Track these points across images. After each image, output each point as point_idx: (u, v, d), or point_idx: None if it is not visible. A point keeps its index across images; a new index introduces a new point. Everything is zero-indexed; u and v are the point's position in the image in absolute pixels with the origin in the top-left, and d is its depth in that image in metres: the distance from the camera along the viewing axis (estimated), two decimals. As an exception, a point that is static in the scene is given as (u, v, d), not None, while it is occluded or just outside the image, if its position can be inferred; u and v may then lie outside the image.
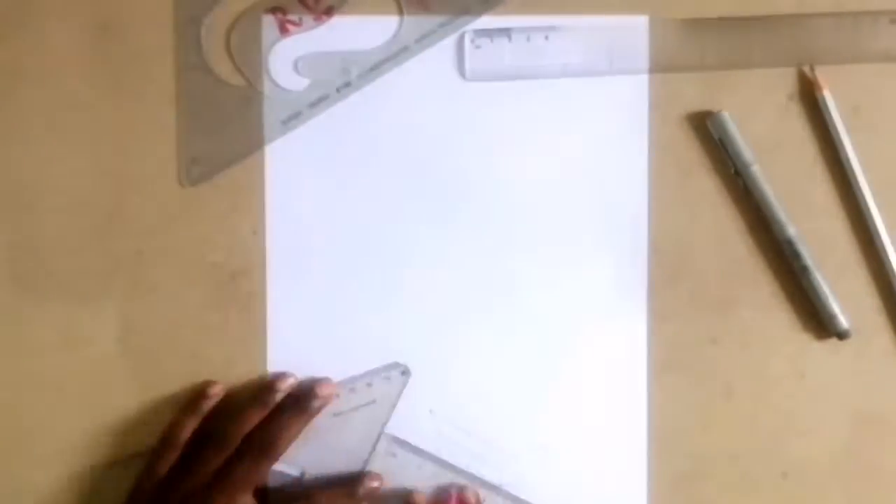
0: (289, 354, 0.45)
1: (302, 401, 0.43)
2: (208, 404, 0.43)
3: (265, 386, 0.43)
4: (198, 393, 0.44)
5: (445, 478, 0.45)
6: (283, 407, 0.43)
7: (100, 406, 0.45)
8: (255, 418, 0.43)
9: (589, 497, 0.45)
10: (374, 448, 0.44)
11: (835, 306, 0.44)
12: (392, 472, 0.44)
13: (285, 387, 0.43)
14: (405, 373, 0.45)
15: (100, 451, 0.45)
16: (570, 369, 0.45)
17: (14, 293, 0.44)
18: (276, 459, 0.42)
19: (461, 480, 0.45)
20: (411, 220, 0.45)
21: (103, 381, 0.45)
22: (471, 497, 0.44)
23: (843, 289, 0.45)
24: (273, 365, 0.45)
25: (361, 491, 0.43)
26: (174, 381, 0.45)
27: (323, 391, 0.43)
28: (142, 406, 0.45)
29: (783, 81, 0.45)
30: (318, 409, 0.43)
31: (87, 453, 0.45)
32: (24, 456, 0.45)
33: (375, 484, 0.43)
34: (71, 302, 0.44)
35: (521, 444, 0.45)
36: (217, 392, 0.43)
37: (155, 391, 0.45)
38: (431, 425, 0.45)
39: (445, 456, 0.45)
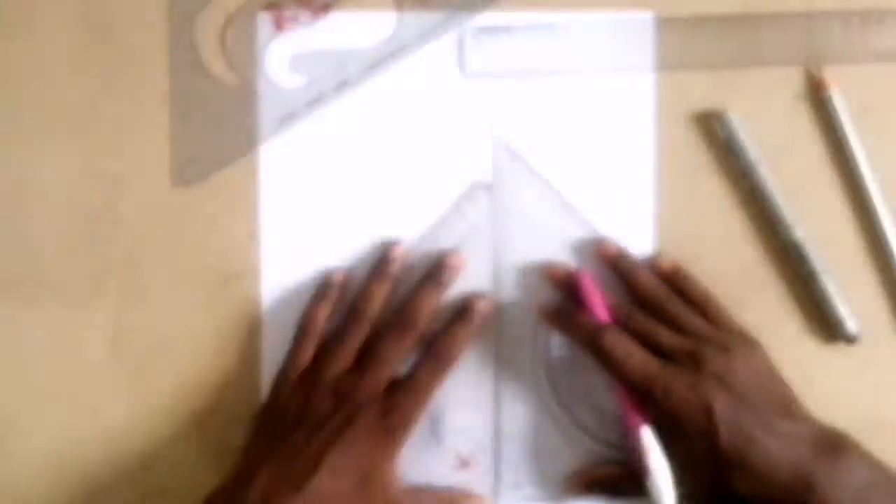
0: (283, 357, 0.44)
1: (436, 275, 0.43)
2: (335, 291, 0.44)
3: (381, 260, 0.44)
4: (323, 282, 0.44)
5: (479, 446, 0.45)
6: (421, 283, 0.44)
7: (92, 410, 0.44)
8: (381, 291, 0.43)
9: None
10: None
11: (842, 310, 0.44)
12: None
13: (398, 254, 0.44)
14: (488, 187, 0.45)
15: (92, 456, 0.44)
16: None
17: (4, 297, 0.44)
18: (418, 332, 0.43)
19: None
20: (410, 222, 0.45)
21: (95, 385, 0.44)
22: (609, 246, 0.44)
23: (851, 293, 0.44)
24: (268, 368, 0.44)
25: (476, 317, 0.43)
26: (167, 385, 0.44)
27: (453, 262, 0.44)
28: (134, 410, 0.44)
29: (791, 81, 0.45)
30: (451, 280, 0.44)
31: (79, 457, 0.44)
32: (15, 460, 0.44)
33: (483, 303, 0.44)
34: (62, 305, 0.44)
35: (521, 447, 0.45)
36: (340, 279, 0.44)
37: (147, 395, 0.44)
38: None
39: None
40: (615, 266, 0.44)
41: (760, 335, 0.44)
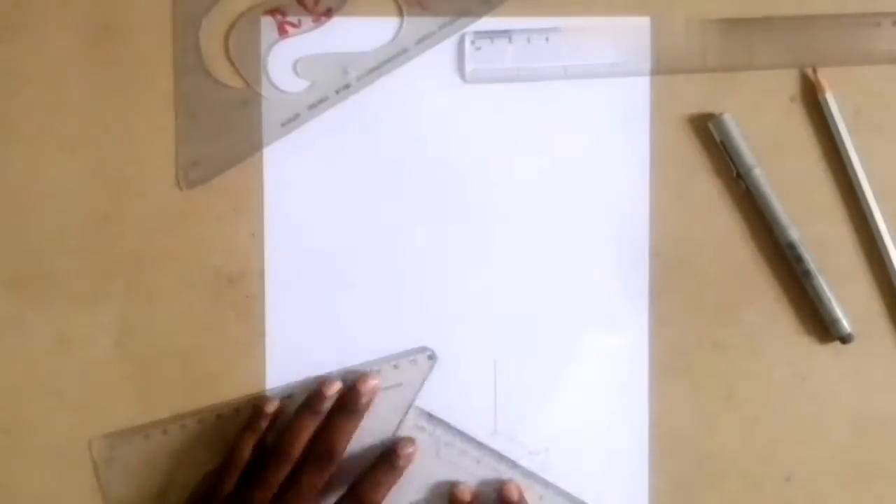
0: (288, 357, 0.45)
1: (350, 403, 0.43)
2: (265, 422, 0.44)
3: (314, 395, 0.43)
4: (254, 412, 0.44)
5: (472, 454, 0.45)
6: (335, 412, 0.43)
7: (98, 409, 0.45)
8: (310, 427, 0.43)
9: (592, 501, 0.45)
10: (399, 426, 0.45)
11: (837, 310, 0.44)
12: (420, 447, 0.44)
13: (333, 392, 0.43)
14: (431, 357, 0.45)
15: (98, 454, 0.45)
16: (571, 373, 0.45)
17: (12, 296, 0.44)
18: (335, 463, 0.43)
19: (487, 457, 0.45)
20: (410, 224, 0.45)
21: (101, 384, 0.45)
22: (513, 491, 0.44)
23: (846, 292, 0.44)
24: (272, 368, 0.45)
25: (401, 462, 0.43)
26: (172, 384, 0.45)
27: (367, 387, 0.43)
28: (140, 409, 0.45)
29: (785, 83, 0.45)
30: (367, 406, 0.44)
31: (85, 455, 0.45)
32: (22, 458, 0.45)
33: (410, 449, 0.43)
34: (69, 305, 0.44)
35: (522, 449, 0.45)
36: (273, 409, 0.44)
37: (153, 394, 0.45)
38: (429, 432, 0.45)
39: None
40: None
41: (755, 335, 0.45)
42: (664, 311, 0.45)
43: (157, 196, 0.44)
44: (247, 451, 0.43)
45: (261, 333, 0.45)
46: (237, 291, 0.45)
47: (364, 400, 0.43)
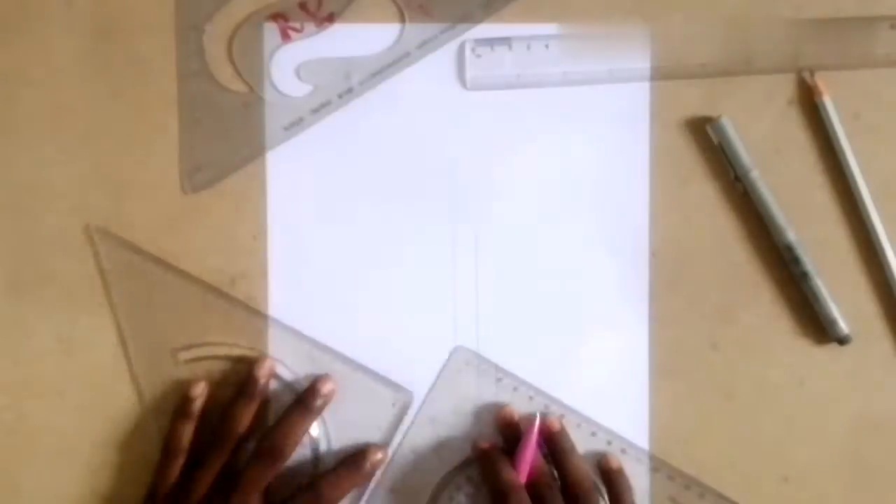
0: (289, 359, 0.45)
1: (306, 401, 0.43)
2: (196, 405, 0.43)
3: (248, 378, 0.43)
4: (183, 397, 0.44)
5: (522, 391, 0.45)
6: (289, 409, 0.43)
7: (99, 411, 0.45)
8: (245, 412, 0.43)
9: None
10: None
11: (835, 312, 0.44)
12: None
13: (264, 372, 0.43)
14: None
15: (99, 456, 0.45)
16: (571, 375, 0.45)
17: (14, 298, 0.45)
18: (285, 460, 0.42)
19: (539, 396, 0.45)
20: (411, 227, 0.45)
21: (103, 387, 0.45)
22: (555, 422, 0.44)
23: (843, 294, 0.45)
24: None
25: (367, 466, 0.43)
26: (174, 386, 0.45)
27: (324, 388, 0.43)
28: (141, 411, 0.45)
29: (783, 87, 0.45)
30: (322, 408, 0.43)
31: (86, 458, 0.45)
32: (23, 458, 0.45)
33: (380, 456, 0.43)
34: (71, 307, 0.45)
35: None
36: (200, 391, 0.43)
37: (154, 397, 0.45)
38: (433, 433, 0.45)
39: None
40: (551, 444, 0.43)
41: (753, 336, 0.45)
42: (663, 313, 0.45)
43: (161, 200, 0.45)
44: (184, 437, 0.43)
45: (262, 333, 0.45)
46: (239, 291, 0.45)
47: (319, 402, 0.43)
